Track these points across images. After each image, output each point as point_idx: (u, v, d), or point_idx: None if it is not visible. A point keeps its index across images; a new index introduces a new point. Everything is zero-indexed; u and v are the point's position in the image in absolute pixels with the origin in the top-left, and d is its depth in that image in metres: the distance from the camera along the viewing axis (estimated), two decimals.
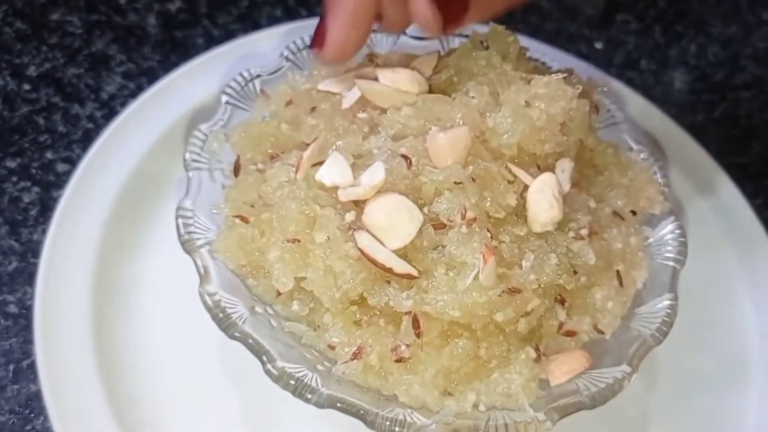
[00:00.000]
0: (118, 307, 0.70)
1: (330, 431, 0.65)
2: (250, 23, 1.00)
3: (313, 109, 0.63)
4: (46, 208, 0.78)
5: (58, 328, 0.67)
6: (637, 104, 0.90)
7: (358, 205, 0.55)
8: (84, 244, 0.72)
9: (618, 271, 0.60)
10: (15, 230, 0.77)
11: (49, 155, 0.83)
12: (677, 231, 0.64)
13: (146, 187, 0.77)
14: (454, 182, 0.54)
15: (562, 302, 0.57)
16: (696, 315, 0.76)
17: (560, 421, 0.65)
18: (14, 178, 0.80)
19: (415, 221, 0.54)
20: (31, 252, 0.75)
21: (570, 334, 0.57)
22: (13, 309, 0.72)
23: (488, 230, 0.53)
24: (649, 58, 1.04)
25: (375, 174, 0.54)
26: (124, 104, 0.88)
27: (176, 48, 0.96)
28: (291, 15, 1.01)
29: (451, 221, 0.53)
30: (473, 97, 0.59)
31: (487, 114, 0.58)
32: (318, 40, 0.55)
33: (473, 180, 0.54)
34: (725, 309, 0.78)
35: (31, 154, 0.83)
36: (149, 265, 0.73)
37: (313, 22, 0.79)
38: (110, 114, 0.87)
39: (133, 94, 0.89)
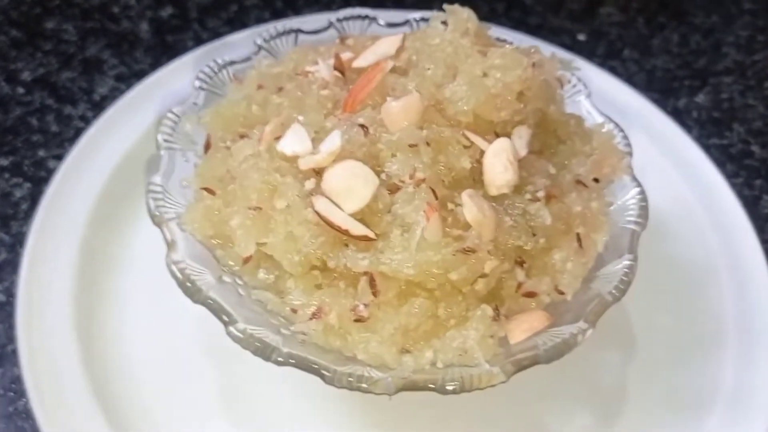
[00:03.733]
0: (99, 295, 0.73)
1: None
2: (239, 26, 1.03)
3: (280, 89, 0.65)
4: (36, 203, 0.80)
5: (40, 314, 0.69)
6: (616, 88, 0.92)
7: (319, 173, 0.57)
8: (67, 233, 0.75)
9: (578, 234, 0.60)
10: (6, 223, 0.80)
11: (41, 153, 0.86)
12: (639, 196, 0.64)
13: (130, 178, 0.79)
14: (409, 145, 0.56)
15: (521, 264, 0.58)
16: (674, 288, 0.77)
17: (544, 390, 0.66)
18: (6, 175, 0.84)
19: (370, 185, 0.55)
20: (20, 243, 0.77)
21: (530, 294, 0.58)
22: (0, 297, 0.74)
23: (432, 189, 0.54)
24: (631, 48, 1.05)
25: (332, 142, 0.56)
26: None
27: (167, 51, 0.99)
28: (279, 17, 1.04)
29: (403, 182, 0.55)
30: (428, 69, 0.61)
31: (444, 85, 0.60)
32: None
33: (428, 144, 0.56)
34: (703, 283, 0.78)
35: (24, 152, 0.86)
36: (130, 253, 0.76)
37: (298, 19, 0.82)
38: (102, 114, 0.89)
39: None
